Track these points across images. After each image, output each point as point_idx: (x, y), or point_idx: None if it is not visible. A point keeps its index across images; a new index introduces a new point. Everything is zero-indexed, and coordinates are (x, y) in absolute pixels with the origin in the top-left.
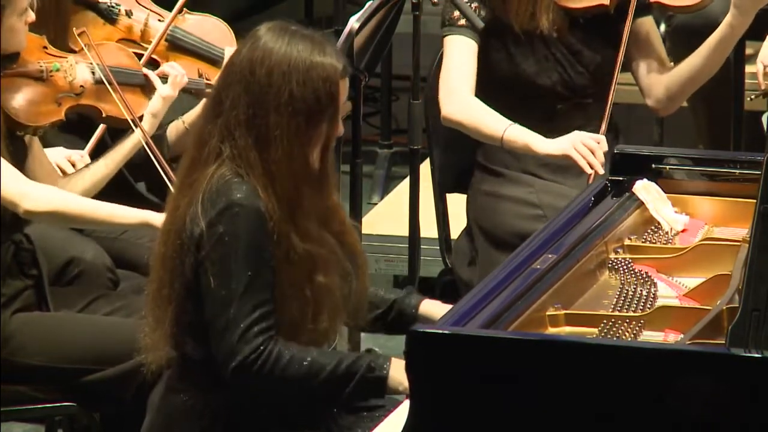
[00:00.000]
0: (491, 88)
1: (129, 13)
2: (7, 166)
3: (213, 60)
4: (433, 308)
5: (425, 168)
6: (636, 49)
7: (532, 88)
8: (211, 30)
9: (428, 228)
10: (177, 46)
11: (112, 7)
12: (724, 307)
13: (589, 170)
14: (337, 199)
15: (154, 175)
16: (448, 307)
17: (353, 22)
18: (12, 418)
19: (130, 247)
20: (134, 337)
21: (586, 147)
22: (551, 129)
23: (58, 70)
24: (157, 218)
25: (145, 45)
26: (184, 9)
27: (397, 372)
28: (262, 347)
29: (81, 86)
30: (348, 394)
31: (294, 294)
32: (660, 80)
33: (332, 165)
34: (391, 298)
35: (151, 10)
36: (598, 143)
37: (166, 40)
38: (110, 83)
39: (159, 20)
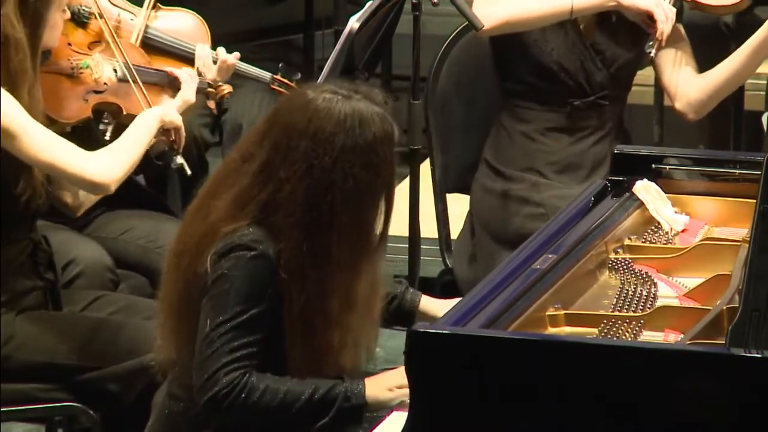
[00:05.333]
0: (514, 66)
1: (99, 15)
2: (68, 148)
3: (185, 58)
4: (433, 305)
5: (425, 168)
6: (664, 53)
7: (556, 70)
8: (185, 26)
9: (428, 228)
10: (150, 46)
11: (82, 10)
12: (724, 307)
13: (660, 36)
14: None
15: (152, 169)
16: (446, 303)
17: (353, 22)
18: (12, 418)
19: (130, 247)
20: (136, 336)
21: (665, 13)
22: (565, 128)
23: (87, 67)
24: (165, 113)
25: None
26: (158, 5)
27: (376, 392)
28: (235, 381)
29: (105, 83)
30: (325, 424)
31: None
32: (691, 84)
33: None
34: (390, 293)
35: (122, 8)
36: (672, 16)
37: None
38: (134, 81)
39: (131, 20)
